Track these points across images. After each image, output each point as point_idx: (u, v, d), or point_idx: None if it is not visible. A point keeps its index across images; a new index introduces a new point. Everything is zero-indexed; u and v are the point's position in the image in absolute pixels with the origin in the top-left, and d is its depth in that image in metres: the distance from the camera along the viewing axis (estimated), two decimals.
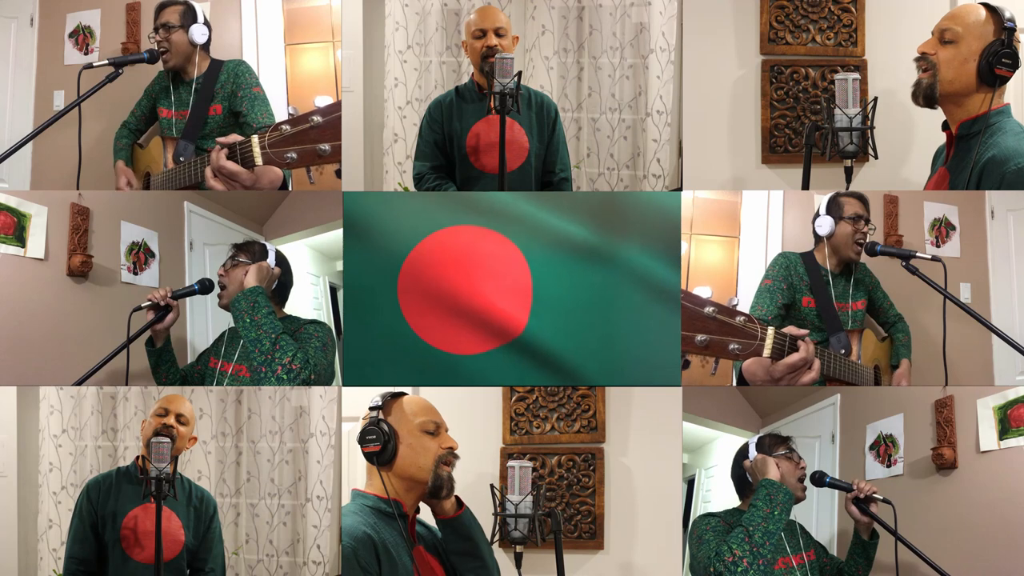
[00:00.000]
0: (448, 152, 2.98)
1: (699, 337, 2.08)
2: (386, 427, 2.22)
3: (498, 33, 2.88)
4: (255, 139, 2.27)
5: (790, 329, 2.21)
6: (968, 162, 2.40)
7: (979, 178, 2.37)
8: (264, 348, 2.40)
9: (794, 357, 2.17)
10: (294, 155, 2.26)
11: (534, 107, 2.99)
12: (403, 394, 2.32)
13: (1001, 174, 2.33)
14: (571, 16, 3.38)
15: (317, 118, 2.24)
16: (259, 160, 2.28)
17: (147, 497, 2.65)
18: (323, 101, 2.27)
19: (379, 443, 2.21)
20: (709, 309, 2.08)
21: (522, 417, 2.95)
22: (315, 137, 2.25)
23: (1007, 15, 2.40)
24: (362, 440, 2.23)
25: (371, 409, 2.26)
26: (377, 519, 2.18)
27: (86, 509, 2.72)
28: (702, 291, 2.10)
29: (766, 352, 2.13)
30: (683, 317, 2.08)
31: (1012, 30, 2.38)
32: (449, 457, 2.25)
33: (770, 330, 2.14)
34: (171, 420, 2.73)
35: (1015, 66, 2.39)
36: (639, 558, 2.88)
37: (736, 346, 2.10)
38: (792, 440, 2.62)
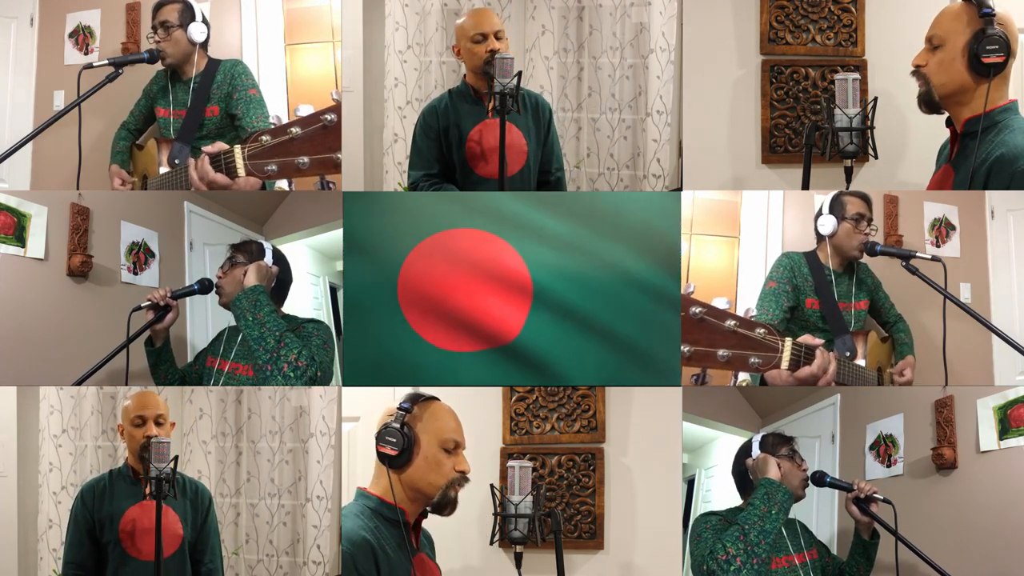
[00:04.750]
0: (445, 157, 2.95)
1: (721, 352, 2.06)
2: (409, 432, 2.16)
3: (498, 36, 2.84)
4: (237, 150, 2.24)
5: (805, 338, 2.19)
6: (973, 159, 2.38)
7: (987, 176, 2.35)
8: (269, 346, 2.40)
9: (804, 372, 2.16)
10: (275, 167, 2.21)
11: (530, 108, 2.96)
12: (435, 399, 2.26)
13: (1011, 173, 2.31)
14: (571, 16, 3.38)
15: (296, 129, 2.20)
16: (241, 172, 2.24)
17: (146, 496, 2.64)
18: (306, 110, 2.22)
19: (397, 448, 2.14)
20: (730, 323, 2.06)
21: (522, 417, 2.95)
22: (295, 149, 2.20)
23: (987, 2, 2.35)
24: (380, 438, 2.16)
25: (400, 409, 2.18)
26: (379, 522, 2.14)
27: (81, 514, 2.71)
28: (719, 302, 2.07)
29: (784, 364, 2.13)
30: (704, 332, 2.05)
31: (991, 15, 2.33)
32: (461, 481, 2.21)
33: (788, 341, 2.13)
34: (152, 429, 2.68)
35: (1004, 51, 2.33)
36: (639, 558, 2.88)
37: (756, 360, 2.09)
38: (795, 441, 2.61)
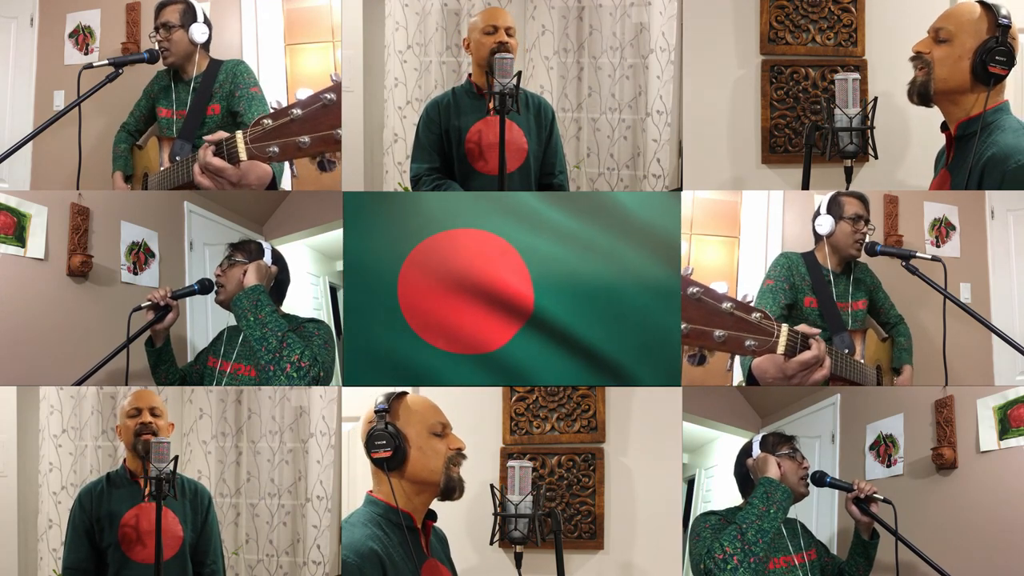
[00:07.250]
0: (446, 152, 2.97)
1: (717, 333, 2.07)
2: (394, 430, 2.16)
3: (508, 33, 2.87)
4: (239, 135, 2.28)
5: (802, 327, 2.20)
6: (968, 162, 2.39)
7: (980, 177, 2.36)
8: (271, 347, 2.40)
9: (807, 355, 2.16)
10: (276, 148, 2.26)
11: (532, 109, 2.98)
12: (405, 393, 2.27)
13: (1002, 172, 2.32)
14: (571, 16, 3.38)
15: (297, 111, 2.24)
16: (243, 155, 2.28)
17: (145, 498, 2.64)
18: (304, 94, 2.26)
19: (390, 448, 2.14)
20: (727, 305, 2.07)
21: (522, 417, 2.95)
22: (296, 130, 2.24)
23: (1003, 12, 2.37)
24: (371, 445, 2.16)
25: (377, 412, 2.19)
26: (389, 530, 2.13)
27: (79, 517, 2.71)
28: (718, 286, 2.09)
29: (780, 349, 2.12)
30: (702, 312, 2.06)
31: (1007, 27, 2.35)
32: (458, 458, 2.22)
33: (784, 327, 2.14)
34: (147, 417, 2.72)
35: (1010, 64, 2.36)
36: (639, 558, 2.88)
37: (752, 342, 2.10)
38: (796, 439, 2.62)
